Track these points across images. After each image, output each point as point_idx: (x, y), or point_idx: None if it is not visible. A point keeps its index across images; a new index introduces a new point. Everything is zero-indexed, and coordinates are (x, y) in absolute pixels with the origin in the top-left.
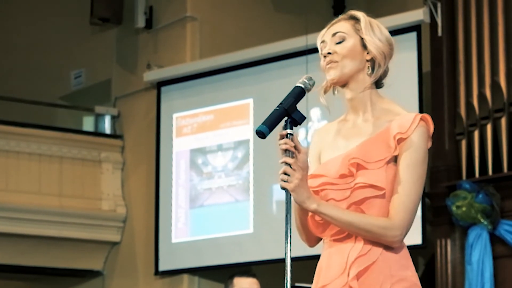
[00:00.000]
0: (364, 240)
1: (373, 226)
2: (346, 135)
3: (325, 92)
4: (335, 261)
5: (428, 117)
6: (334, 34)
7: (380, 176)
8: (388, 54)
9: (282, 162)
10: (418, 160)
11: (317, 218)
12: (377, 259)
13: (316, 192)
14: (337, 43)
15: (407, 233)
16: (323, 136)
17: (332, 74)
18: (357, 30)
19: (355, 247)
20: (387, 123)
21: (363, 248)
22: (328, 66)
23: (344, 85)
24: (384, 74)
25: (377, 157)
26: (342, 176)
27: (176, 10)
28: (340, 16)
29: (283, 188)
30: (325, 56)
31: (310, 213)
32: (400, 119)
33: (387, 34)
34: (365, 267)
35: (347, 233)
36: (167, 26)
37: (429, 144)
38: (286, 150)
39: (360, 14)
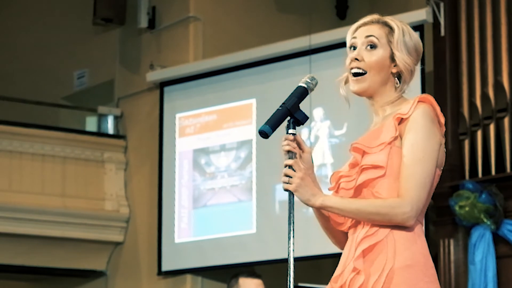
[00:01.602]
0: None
1: (381, 207)
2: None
3: (345, 83)
4: (348, 249)
5: (428, 97)
6: (367, 36)
7: (381, 157)
8: (416, 63)
9: (285, 166)
10: (421, 139)
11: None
12: (383, 239)
13: (337, 191)
14: (367, 47)
15: (419, 210)
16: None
17: (356, 87)
18: (389, 42)
19: (362, 230)
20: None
21: (370, 229)
22: (354, 79)
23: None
24: (411, 80)
25: (379, 141)
26: (351, 166)
27: (179, 10)
28: (375, 16)
29: (286, 190)
30: (352, 60)
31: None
32: (403, 106)
33: (417, 40)
34: (370, 245)
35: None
36: (170, 26)
37: (441, 126)
38: (288, 151)
39: (395, 25)
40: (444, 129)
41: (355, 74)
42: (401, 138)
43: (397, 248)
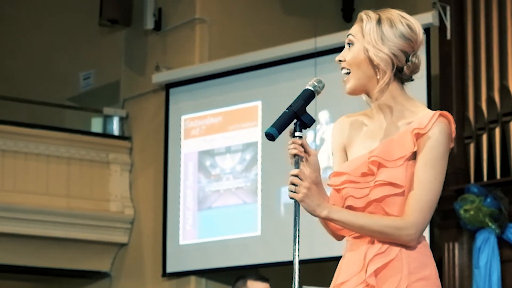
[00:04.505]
0: None
1: (386, 227)
2: (373, 136)
3: None
4: (354, 259)
5: (448, 114)
6: (348, 36)
7: (400, 174)
8: (404, 51)
9: (291, 175)
10: (436, 158)
11: None
12: (396, 257)
13: (338, 190)
14: (348, 46)
15: (422, 231)
16: (348, 128)
17: (346, 88)
18: (363, 35)
19: (373, 246)
20: (409, 124)
21: (382, 247)
22: (343, 80)
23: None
24: (415, 67)
25: (397, 155)
26: (363, 174)
27: (185, 12)
28: (360, 13)
29: (292, 198)
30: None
31: None
32: (420, 117)
33: (403, 28)
34: (383, 264)
35: None
36: (176, 28)
37: (452, 143)
38: (295, 155)
39: (365, 17)
40: (453, 144)
41: (344, 76)
42: (415, 152)
43: (411, 263)
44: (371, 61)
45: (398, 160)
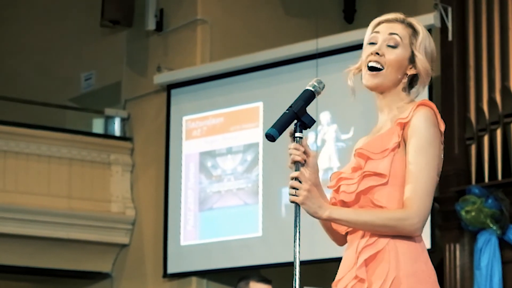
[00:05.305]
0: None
1: (389, 220)
2: (372, 135)
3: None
4: (349, 255)
5: (429, 102)
6: (391, 34)
7: (384, 164)
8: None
9: (291, 178)
10: (423, 144)
11: None
12: (384, 248)
13: (336, 190)
14: (389, 45)
15: (426, 219)
16: (360, 141)
17: (370, 81)
18: (411, 43)
19: (363, 239)
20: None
21: (370, 239)
22: (370, 73)
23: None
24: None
25: (382, 147)
26: (353, 169)
27: (186, 13)
28: (400, 16)
29: (293, 202)
30: (372, 54)
31: None
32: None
33: (433, 47)
34: (371, 255)
35: None
36: (177, 28)
37: (441, 127)
38: (296, 162)
39: (420, 28)
40: (443, 138)
41: (372, 69)
42: (405, 143)
43: (400, 257)
44: (410, 68)
45: (383, 152)
